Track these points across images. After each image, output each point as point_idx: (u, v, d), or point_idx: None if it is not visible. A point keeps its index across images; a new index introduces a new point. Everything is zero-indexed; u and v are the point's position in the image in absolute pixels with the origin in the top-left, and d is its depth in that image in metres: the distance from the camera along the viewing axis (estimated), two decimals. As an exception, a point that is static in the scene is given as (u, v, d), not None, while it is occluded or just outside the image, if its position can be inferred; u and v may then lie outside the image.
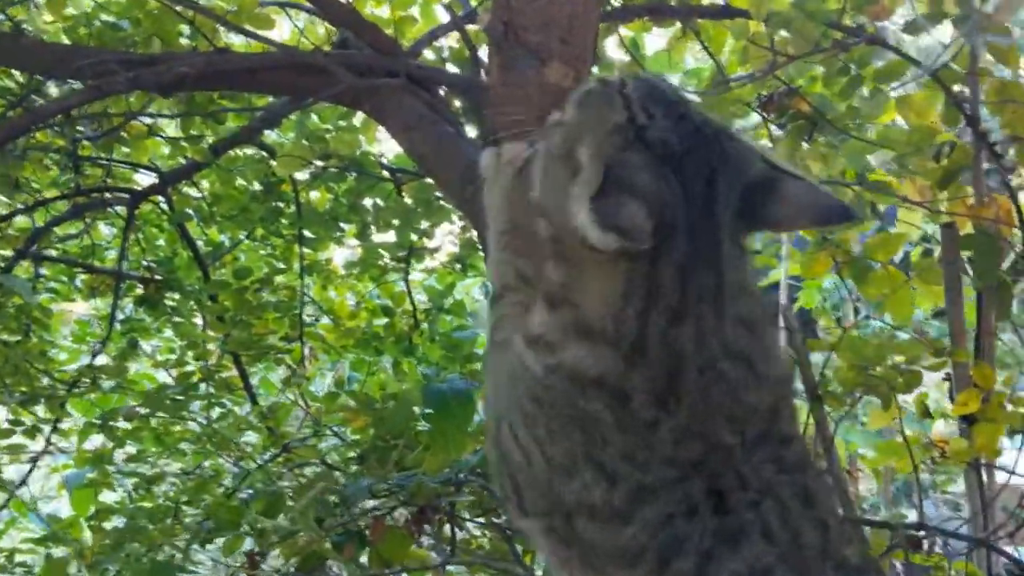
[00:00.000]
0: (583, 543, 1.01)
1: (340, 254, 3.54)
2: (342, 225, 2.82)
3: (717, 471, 0.95)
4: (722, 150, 0.99)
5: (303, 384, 3.15)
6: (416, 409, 2.13)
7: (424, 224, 2.62)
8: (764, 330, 1.04)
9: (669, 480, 0.95)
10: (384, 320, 3.43)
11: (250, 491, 2.27)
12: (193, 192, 3.13)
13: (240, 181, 2.91)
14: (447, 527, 2.03)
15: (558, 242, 1.01)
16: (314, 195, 2.89)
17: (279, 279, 3.11)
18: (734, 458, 0.95)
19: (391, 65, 1.66)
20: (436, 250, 3.27)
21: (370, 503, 2.20)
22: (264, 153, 2.71)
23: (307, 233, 2.84)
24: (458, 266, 3.43)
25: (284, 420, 2.94)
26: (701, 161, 0.97)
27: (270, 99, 2.35)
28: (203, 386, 2.87)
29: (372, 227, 2.69)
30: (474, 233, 2.91)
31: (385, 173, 2.67)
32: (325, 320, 3.37)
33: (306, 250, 2.88)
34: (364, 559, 2.14)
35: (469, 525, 2.24)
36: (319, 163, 2.34)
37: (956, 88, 1.84)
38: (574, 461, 0.99)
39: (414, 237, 2.78)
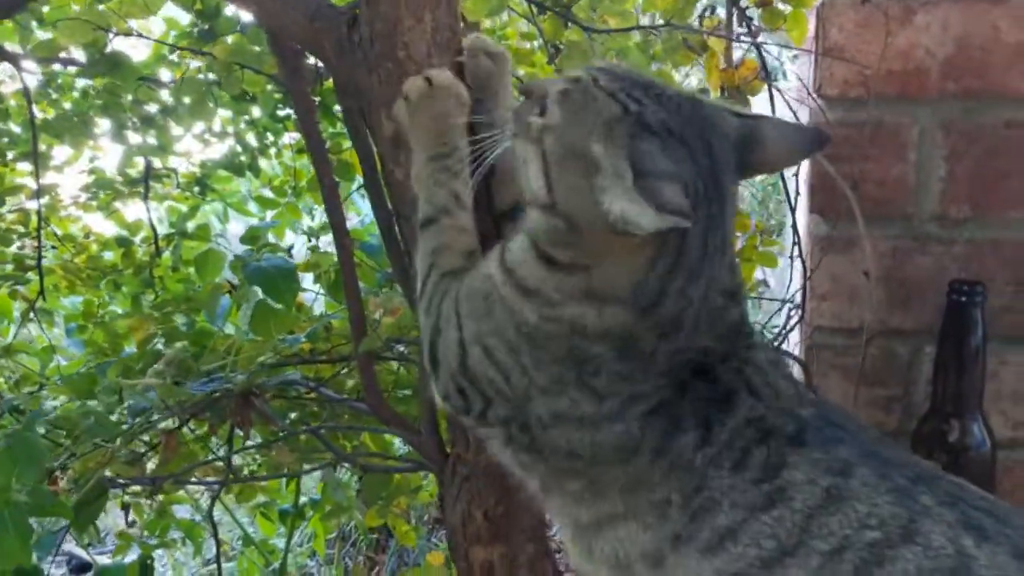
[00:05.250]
0: (557, 448, 1.05)
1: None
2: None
3: (702, 363, 1.04)
4: (704, 117, 1.02)
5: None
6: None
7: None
8: (735, 261, 1.12)
9: (660, 386, 1.02)
10: (110, 253, 3.18)
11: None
12: None
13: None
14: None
15: (572, 232, 1.01)
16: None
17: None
18: (715, 355, 1.04)
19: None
20: (172, 171, 3.07)
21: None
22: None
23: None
24: (196, 189, 3.25)
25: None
26: (696, 133, 1.00)
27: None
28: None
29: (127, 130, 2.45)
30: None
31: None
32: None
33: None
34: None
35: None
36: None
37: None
38: (563, 386, 1.03)
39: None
